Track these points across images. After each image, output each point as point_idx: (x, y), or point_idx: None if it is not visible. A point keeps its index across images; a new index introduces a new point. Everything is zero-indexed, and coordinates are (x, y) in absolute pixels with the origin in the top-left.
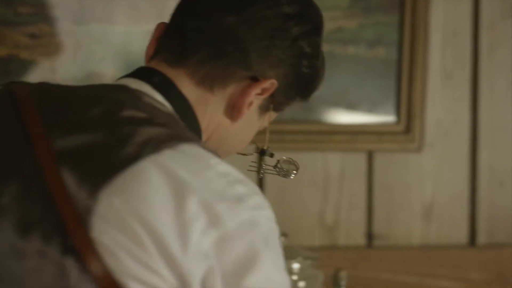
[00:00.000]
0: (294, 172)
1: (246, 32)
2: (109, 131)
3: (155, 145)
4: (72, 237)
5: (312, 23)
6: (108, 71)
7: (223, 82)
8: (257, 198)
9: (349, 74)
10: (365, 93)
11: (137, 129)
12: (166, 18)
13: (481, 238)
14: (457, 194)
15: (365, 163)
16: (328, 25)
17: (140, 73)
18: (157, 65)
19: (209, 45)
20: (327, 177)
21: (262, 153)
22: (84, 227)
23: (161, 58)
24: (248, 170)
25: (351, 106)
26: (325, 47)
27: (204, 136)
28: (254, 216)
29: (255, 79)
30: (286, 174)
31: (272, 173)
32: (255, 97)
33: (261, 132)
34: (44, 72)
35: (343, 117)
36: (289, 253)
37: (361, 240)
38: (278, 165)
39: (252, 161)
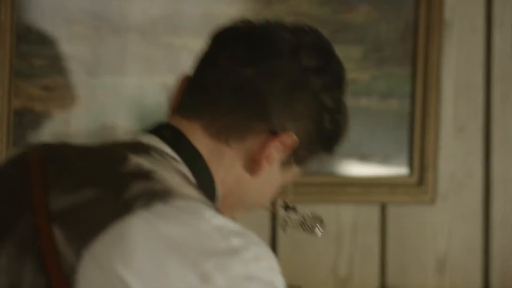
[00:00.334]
0: (320, 229)
1: (265, 84)
2: (104, 186)
3: (147, 200)
4: None
5: (333, 76)
6: (122, 123)
7: (240, 135)
8: (256, 249)
9: (361, 126)
10: (378, 145)
11: (133, 183)
12: (179, 70)
13: None
14: (471, 247)
15: (378, 215)
16: None
17: (153, 128)
18: (173, 119)
19: (227, 97)
20: (340, 229)
21: (286, 208)
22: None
23: (179, 112)
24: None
25: (364, 158)
26: None
27: (222, 190)
28: (250, 269)
29: (274, 133)
30: (312, 231)
31: (298, 229)
32: (275, 151)
33: (284, 187)
34: (58, 124)
35: (356, 169)
36: None
37: None
38: (305, 222)
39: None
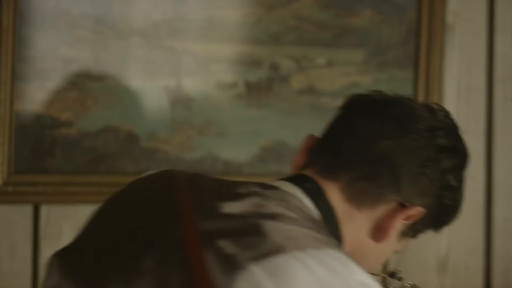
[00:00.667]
0: None
1: (400, 157)
2: (251, 222)
3: (299, 243)
4: None
5: (462, 157)
6: (123, 126)
7: (372, 203)
8: None
9: None
10: None
11: (282, 225)
12: (182, 74)
13: None
14: (472, 247)
15: None
16: (343, 81)
17: (293, 178)
18: (309, 174)
19: (364, 165)
20: None
21: (391, 275)
22: None
23: (313, 169)
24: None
25: None
26: (339, 103)
27: (346, 251)
28: None
29: (402, 205)
30: None
31: None
32: (400, 222)
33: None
34: (61, 128)
35: None
36: None
37: None
38: None
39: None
